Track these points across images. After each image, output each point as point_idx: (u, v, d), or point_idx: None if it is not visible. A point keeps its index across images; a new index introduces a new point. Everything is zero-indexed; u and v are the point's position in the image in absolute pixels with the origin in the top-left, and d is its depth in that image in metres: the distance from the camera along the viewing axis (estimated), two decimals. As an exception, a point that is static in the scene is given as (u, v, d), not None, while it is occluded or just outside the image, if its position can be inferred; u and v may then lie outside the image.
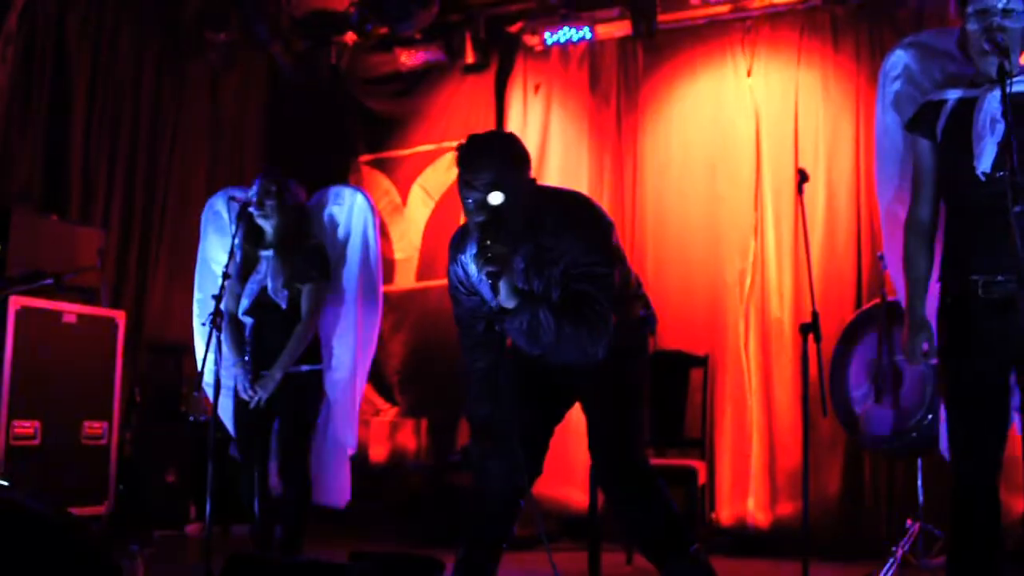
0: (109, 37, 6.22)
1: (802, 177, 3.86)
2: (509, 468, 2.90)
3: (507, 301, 2.71)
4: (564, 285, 2.79)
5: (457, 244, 3.00)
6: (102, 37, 6.17)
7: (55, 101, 5.89)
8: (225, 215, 4.58)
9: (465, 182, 2.73)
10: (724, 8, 6.04)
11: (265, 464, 4.21)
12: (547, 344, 2.76)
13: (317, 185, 4.64)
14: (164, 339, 6.28)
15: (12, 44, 4.72)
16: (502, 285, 2.68)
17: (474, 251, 2.73)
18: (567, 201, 2.98)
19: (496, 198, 2.65)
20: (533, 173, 2.89)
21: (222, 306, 4.05)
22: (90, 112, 6.10)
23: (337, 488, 4.31)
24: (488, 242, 2.66)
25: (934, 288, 2.90)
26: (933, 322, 2.86)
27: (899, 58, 3.22)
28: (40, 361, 4.92)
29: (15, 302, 4.82)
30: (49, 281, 5.03)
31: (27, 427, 4.84)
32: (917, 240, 2.92)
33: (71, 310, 5.11)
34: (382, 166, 7.18)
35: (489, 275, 2.65)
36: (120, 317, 5.34)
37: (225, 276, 4.01)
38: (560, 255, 2.78)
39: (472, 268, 2.86)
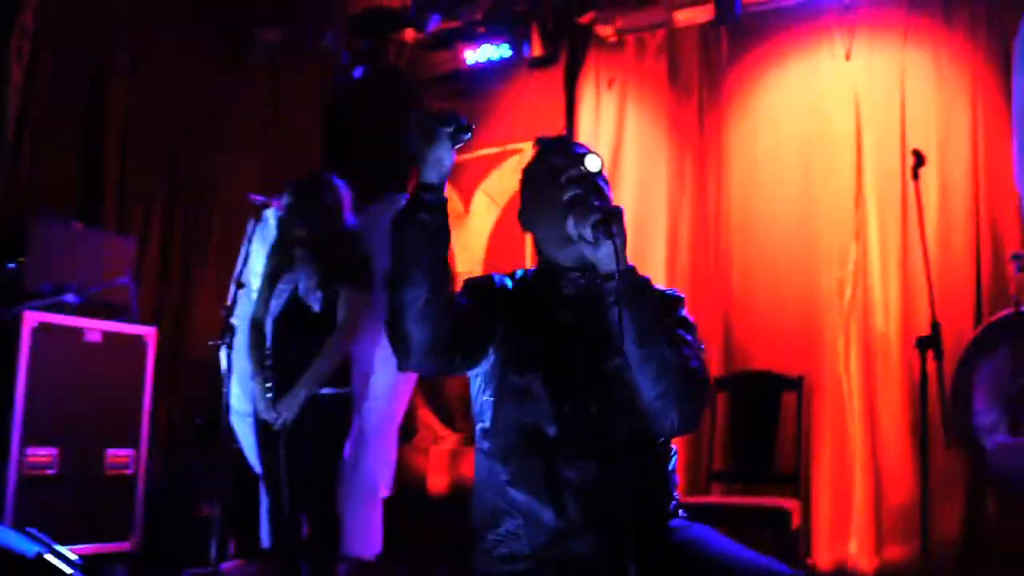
0: (152, 29, 5.80)
1: (918, 160, 3.23)
2: None
3: (611, 263, 1.95)
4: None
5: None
6: (144, 29, 5.75)
7: (90, 101, 5.47)
8: (272, 223, 4.14)
9: (556, 160, 2.20)
10: (819, -15, 5.39)
11: (293, 499, 3.69)
12: (640, 332, 1.94)
13: (376, 193, 4.18)
14: (208, 358, 5.83)
15: (27, 39, 4.31)
16: (614, 244, 1.94)
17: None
18: None
19: (593, 163, 2.13)
20: (608, 174, 2.28)
21: (235, 317, 3.61)
22: (127, 112, 5.67)
23: (366, 536, 3.72)
24: (593, 200, 2.09)
25: None
26: None
27: None
28: (59, 383, 4.45)
29: (31, 318, 4.39)
30: (70, 296, 4.60)
31: (43, 455, 4.40)
32: None
33: (95, 327, 4.65)
34: (443, 171, 6.66)
35: (600, 222, 1.96)
36: (150, 335, 4.87)
37: (238, 284, 3.57)
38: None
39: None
